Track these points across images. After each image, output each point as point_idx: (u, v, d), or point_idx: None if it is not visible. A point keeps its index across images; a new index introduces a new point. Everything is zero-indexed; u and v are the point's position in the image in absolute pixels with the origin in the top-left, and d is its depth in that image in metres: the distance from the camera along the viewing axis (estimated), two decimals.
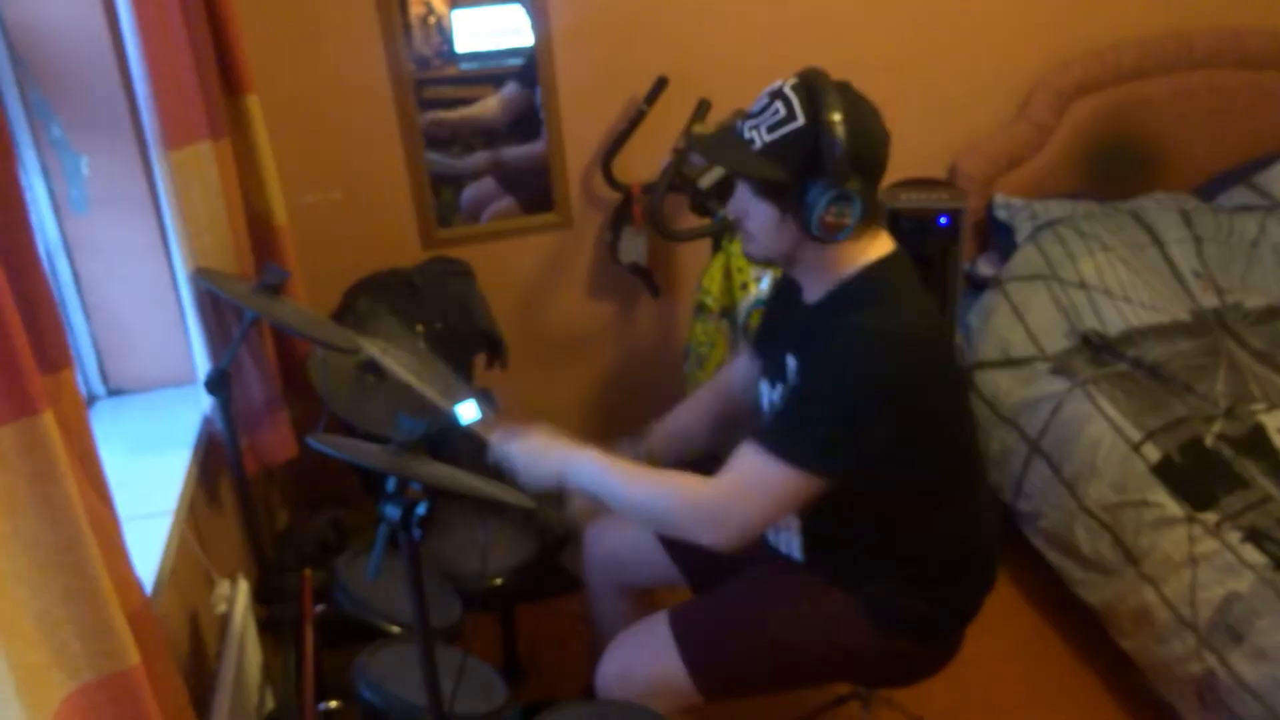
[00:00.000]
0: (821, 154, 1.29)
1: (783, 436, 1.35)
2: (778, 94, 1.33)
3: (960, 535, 1.51)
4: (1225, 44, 2.85)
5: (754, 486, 1.35)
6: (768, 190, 1.36)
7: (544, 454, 1.47)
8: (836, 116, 1.27)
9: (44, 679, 0.87)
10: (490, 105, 2.57)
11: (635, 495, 1.42)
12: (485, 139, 2.58)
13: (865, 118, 1.33)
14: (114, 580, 0.93)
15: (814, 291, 1.45)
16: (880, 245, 1.41)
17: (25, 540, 0.84)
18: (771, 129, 1.33)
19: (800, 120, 1.30)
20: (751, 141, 1.35)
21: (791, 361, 1.44)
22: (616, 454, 1.59)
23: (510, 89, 2.56)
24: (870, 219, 1.37)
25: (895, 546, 1.47)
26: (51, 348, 0.96)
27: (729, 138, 1.39)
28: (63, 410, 0.96)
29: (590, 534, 1.85)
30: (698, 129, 1.44)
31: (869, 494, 1.41)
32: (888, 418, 1.34)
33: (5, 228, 0.88)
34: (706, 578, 1.65)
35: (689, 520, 1.39)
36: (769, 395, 1.53)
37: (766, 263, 1.48)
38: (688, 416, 1.79)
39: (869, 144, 1.32)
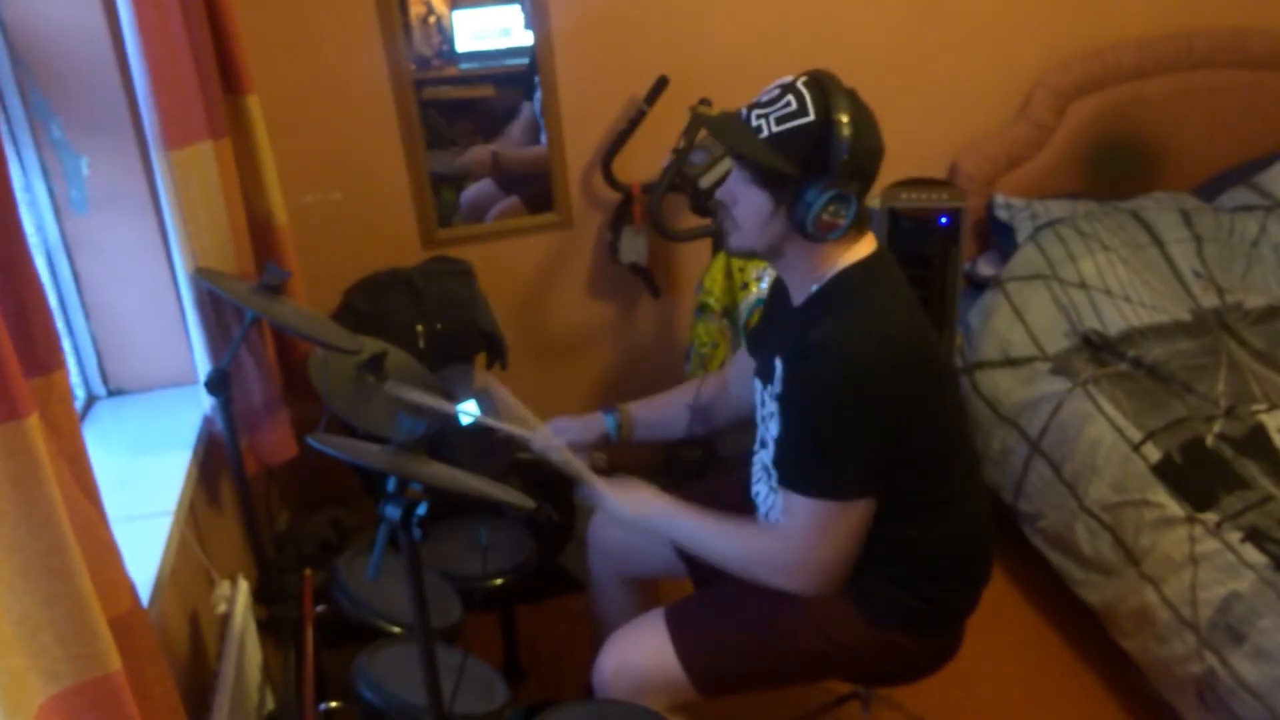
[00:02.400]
0: (829, 153, 1.31)
1: (810, 474, 1.39)
2: (790, 88, 1.35)
3: (951, 531, 1.51)
4: (1225, 44, 2.85)
5: (812, 529, 1.40)
6: (767, 180, 1.37)
7: (629, 499, 1.55)
8: (845, 118, 1.30)
9: (23, 683, 0.86)
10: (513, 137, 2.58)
11: (715, 547, 1.50)
12: (484, 138, 2.58)
13: (868, 126, 1.35)
14: (103, 583, 0.92)
15: (798, 295, 1.47)
16: (861, 248, 1.43)
17: (7, 544, 0.83)
18: (780, 120, 1.34)
19: (811, 116, 1.32)
20: (759, 129, 1.35)
21: (779, 365, 1.44)
22: (588, 426, 1.75)
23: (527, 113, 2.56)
24: (859, 224, 1.40)
25: (884, 541, 1.47)
26: (43, 350, 0.94)
27: (735, 122, 1.40)
28: (53, 413, 0.95)
29: (594, 525, 1.86)
30: (701, 109, 1.44)
31: None
32: (878, 422, 1.36)
33: None
34: (707, 570, 1.65)
35: (769, 575, 1.45)
36: (761, 394, 1.54)
37: (749, 256, 1.50)
38: (667, 405, 1.82)
39: (868, 151, 1.35)
